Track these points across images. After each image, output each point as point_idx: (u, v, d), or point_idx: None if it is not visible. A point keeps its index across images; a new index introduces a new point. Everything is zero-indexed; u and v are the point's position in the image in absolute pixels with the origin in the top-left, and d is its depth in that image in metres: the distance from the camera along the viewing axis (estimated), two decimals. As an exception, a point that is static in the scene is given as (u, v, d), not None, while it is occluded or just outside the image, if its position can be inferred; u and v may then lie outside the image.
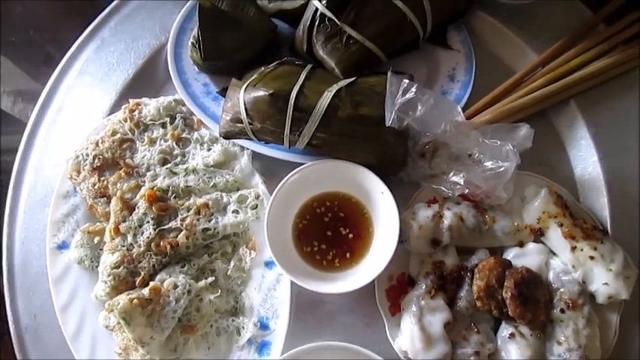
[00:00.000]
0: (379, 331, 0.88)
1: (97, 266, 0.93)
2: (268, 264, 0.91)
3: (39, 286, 0.94)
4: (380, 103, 0.86)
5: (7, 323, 0.92)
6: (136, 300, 0.84)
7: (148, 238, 0.90)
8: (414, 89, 0.83)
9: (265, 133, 0.87)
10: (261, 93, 0.85)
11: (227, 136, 0.89)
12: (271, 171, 0.96)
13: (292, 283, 0.86)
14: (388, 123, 0.82)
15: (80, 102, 1.05)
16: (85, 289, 0.92)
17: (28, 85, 1.19)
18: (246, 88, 0.87)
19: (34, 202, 1.01)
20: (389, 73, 0.84)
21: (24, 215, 1.00)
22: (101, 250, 0.94)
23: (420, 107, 0.85)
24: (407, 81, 0.84)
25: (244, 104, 0.86)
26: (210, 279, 0.89)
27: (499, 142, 0.81)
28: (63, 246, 0.94)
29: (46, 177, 1.02)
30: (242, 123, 0.87)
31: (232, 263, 0.91)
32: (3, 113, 1.16)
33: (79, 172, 0.96)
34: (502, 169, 0.80)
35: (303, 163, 0.90)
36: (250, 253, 0.91)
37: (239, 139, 0.91)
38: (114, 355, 0.89)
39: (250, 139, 0.89)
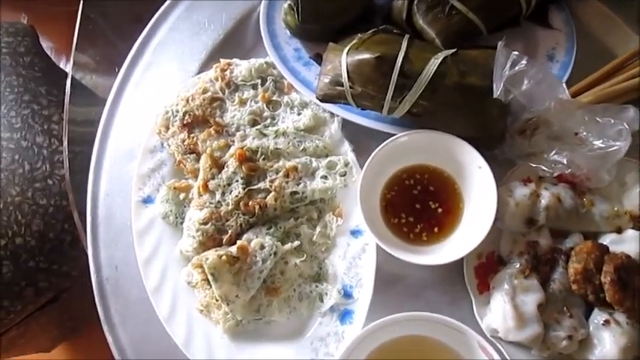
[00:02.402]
0: (464, 309, 0.85)
1: (181, 222, 0.89)
2: (354, 232, 0.88)
3: (122, 238, 0.92)
4: (485, 74, 0.83)
5: (89, 273, 0.91)
6: (224, 257, 0.82)
7: (236, 197, 0.88)
8: (524, 62, 0.81)
9: (365, 99, 0.85)
10: (366, 56, 0.83)
11: (324, 99, 0.88)
12: (359, 139, 0.93)
13: (377, 253, 0.84)
14: (496, 94, 0.80)
15: (169, 59, 1.05)
16: (168, 244, 0.89)
17: (111, 54, 1.19)
18: (348, 51, 0.85)
19: (120, 155, 0.98)
20: (500, 43, 0.82)
21: (109, 168, 0.99)
22: (186, 207, 0.92)
23: (526, 81, 0.82)
24: (516, 53, 0.81)
25: (346, 67, 0.84)
26: (296, 243, 0.87)
27: (612, 121, 0.77)
28: (148, 200, 0.92)
29: (133, 131, 0.99)
30: (342, 86, 0.85)
31: (318, 229, 0.89)
32: (78, 85, 1.14)
33: (167, 128, 0.93)
34: (614, 148, 0.77)
35: (392, 134, 0.88)
36: (337, 221, 0.89)
37: (335, 103, 0.89)
38: (194, 311, 0.87)
39: (347, 103, 0.87)
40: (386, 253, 0.78)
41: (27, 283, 1.20)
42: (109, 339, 0.88)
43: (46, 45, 1.54)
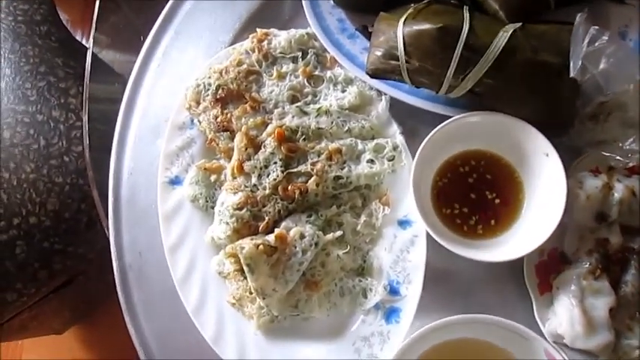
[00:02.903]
0: (522, 311, 0.78)
1: (211, 206, 0.83)
2: (402, 223, 0.81)
3: (146, 221, 0.85)
4: (558, 51, 0.74)
5: (107, 257, 0.84)
6: (261, 246, 0.75)
7: (274, 180, 0.80)
8: (605, 37, 0.71)
9: (422, 75, 0.76)
10: (426, 26, 0.74)
11: (375, 74, 0.79)
12: (406, 121, 0.86)
13: (428, 247, 0.77)
14: (573, 73, 0.71)
15: (199, 30, 0.97)
16: (197, 229, 0.83)
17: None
18: (405, 21, 0.76)
19: (145, 131, 0.91)
20: (580, 16, 0.72)
21: (133, 145, 0.92)
22: (217, 189, 0.85)
23: (605, 60, 0.72)
24: (596, 27, 0.72)
25: (403, 39, 0.75)
26: (338, 233, 0.80)
27: None
28: (175, 181, 0.85)
29: (160, 105, 0.92)
30: (397, 60, 0.76)
31: (362, 218, 0.81)
32: (98, 59, 1.08)
33: (198, 103, 0.85)
34: None
35: (445, 115, 0.80)
36: (383, 209, 0.81)
37: (387, 79, 0.81)
38: (225, 304, 0.81)
39: (400, 80, 0.79)
40: (434, 247, 0.73)
41: (41, 265, 1.16)
42: (131, 331, 0.82)
43: (60, 17, 1.46)
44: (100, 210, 0.91)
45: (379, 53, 0.78)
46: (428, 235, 0.73)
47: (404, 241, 0.77)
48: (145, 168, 0.88)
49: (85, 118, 0.94)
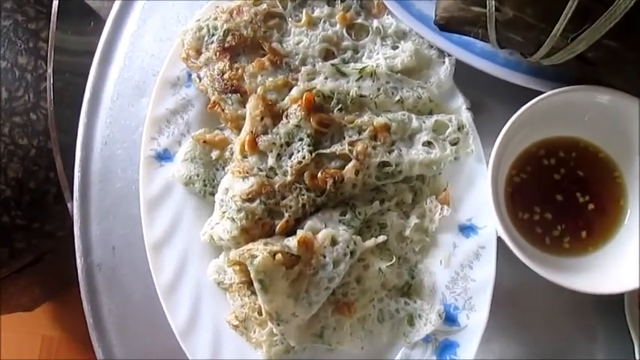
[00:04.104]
0: (614, 350, 0.64)
1: (211, 193, 0.66)
2: (465, 229, 0.64)
3: (123, 207, 0.69)
4: None
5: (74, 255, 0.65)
6: (279, 256, 0.56)
7: (299, 163, 0.61)
8: None
9: (514, 29, 0.56)
10: (532, -41, 0.52)
11: (448, 24, 0.58)
12: (473, 94, 0.67)
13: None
14: None
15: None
16: (191, 223, 0.66)
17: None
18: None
19: (126, 87, 0.72)
20: None
21: (110, 105, 0.72)
22: (219, 170, 0.67)
23: None
24: None
25: (495, -25, 0.53)
26: (381, 238, 0.62)
27: None
28: (164, 156, 0.67)
29: (147, 54, 0.73)
30: (483, 6, 0.55)
31: (412, 219, 0.63)
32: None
33: (199, 53, 0.67)
34: None
35: (525, 90, 0.63)
36: (441, 209, 0.63)
37: (462, 33, 0.61)
38: (223, 325, 0.63)
39: (478, 37, 0.59)
40: (502, 262, 0.61)
41: (-1, 243, 1.00)
42: (98, 354, 0.62)
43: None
44: (64, 187, 0.74)
45: (455, -5, 0.56)
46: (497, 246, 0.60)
47: (466, 253, 0.63)
48: (124, 136, 0.72)
49: (50, 70, 0.75)
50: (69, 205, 0.73)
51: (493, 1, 0.55)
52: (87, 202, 0.69)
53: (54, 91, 0.99)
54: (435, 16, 0.60)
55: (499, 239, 0.60)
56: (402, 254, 0.64)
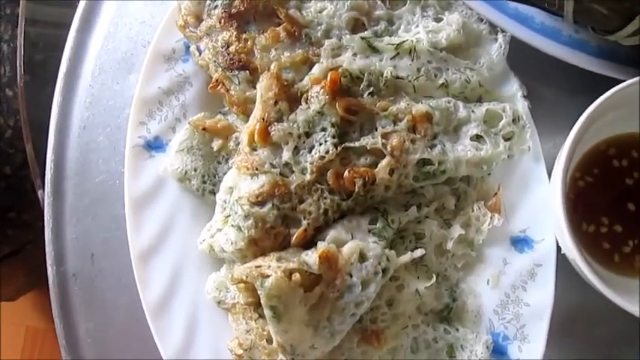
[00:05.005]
0: None
1: (212, 191, 0.58)
2: (518, 242, 0.56)
3: (105, 206, 0.61)
4: None
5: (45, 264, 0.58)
6: (296, 275, 0.47)
7: (321, 159, 0.52)
8: None
9: None
10: None
11: None
12: (529, 78, 0.58)
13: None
14: None
15: None
16: (187, 227, 0.58)
17: None
18: None
19: (109, 60, 0.64)
20: None
21: (91, 81, 0.64)
22: (221, 163, 0.59)
23: None
24: None
25: None
26: (419, 252, 0.53)
27: None
28: (155, 145, 0.59)
29: (136, 20, 0.65)
30: None
31: (455, 230, 0.55)
32: None
33: (199, 19, 0.59)
34: None
35: (591, 77, 0.55)
36: (491, 219, 0.55)
37: (532, 3, 0.50)
38: (224, 353, 0.54)
39: (550, 9, 0.47)
40: (560, 281, 0.54)
41: (-29, 234, 0.99)
42: (72, 383, 0.53)
43: None
44: (34, 175, 0.70)
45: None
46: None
47: (519, 271, 0.55)
48: (106, 120, 0.63)
49: (21, 40, 0.67)
50: (39, 194, 0.63)
51: (578, -40, 0.44)
52: (61, 199, 0.61)
53: (33, 65, 0.90)
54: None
55: (559, 255, 0.53)
56: (442, 271, 0.56)
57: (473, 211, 0.56)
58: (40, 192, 0.66)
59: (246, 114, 0.56)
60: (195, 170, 0.58)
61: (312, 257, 0.49)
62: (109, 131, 0.63)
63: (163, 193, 0.58)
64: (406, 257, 0.52)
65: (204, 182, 0.58)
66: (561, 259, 0.53)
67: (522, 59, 0.59)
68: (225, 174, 0.57)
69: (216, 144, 0.58)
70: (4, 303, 1.49)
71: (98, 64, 0.65)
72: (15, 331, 1.67)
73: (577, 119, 0.57)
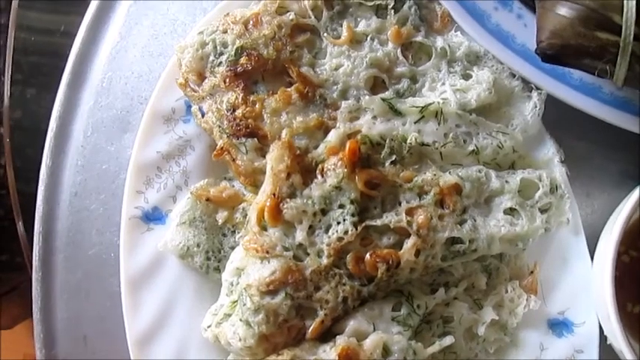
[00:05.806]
0: None
1: (217, 268, 0.52)
2: (556, 325, 0.52)
3: (99, 282, 0.55)
4: None
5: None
6: None
7: (340, 240, 0.46)
8: None
9: None
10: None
11: (557, 55, 0.44)
12: (564, 139, 0.54)
13: None
14: None
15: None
16: (189, 309, 0.52)
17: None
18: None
19: (103, 118, 0.58)
20: None
21: (82, 141, 0.58)
22: (226, 236, 0.53)
23: None
24: None
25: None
26: (448, 340, 0.48)
27: None
28: (154, 217, 0.53)
29: (133, 74, 0.59)
30: (612, 32, 0.41)
31: (487, 312, 0.50)
32: None
33: (202, 77, 0.52)
34: None
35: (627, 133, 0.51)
36: (528, 300, 0.50)
37: (572, 66, 0.43)
38: None
39: (601, 74, 0.42)
40: None
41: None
42: None
43: None
44: (16, 213, 0.68)
45: (571, 14, 0.40)
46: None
47: (558, 358, 0.51)
48: (100, 185, 0.57)
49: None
50: (20, 234, 0.60)
51: (633, 26, 0.38)
52: (50, 274, 0.55)
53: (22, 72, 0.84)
54: (540, 42, 0.44)
55: (601, 340, 0.49)
56: (472, 357, 0.51)
57: (507, 292, 0.50)
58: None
59: (255, 185, 0.50)
60: (198, 246, 0.52)
61: (330, 355, 0.44)
62: (103, 198, 0.57)
63: (163, 270, 0.52)
64: (434, 348, 0.47)
65: (209, 259, 0.52)
66: (603, 343, 0.48)
67: (555, 117, 0.53)
68: (231, 247, 0.52)
69: (221, 216, 0.53)
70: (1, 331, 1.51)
71: (90, 123, 0.59)
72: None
73: (617, 179, 0.52)
